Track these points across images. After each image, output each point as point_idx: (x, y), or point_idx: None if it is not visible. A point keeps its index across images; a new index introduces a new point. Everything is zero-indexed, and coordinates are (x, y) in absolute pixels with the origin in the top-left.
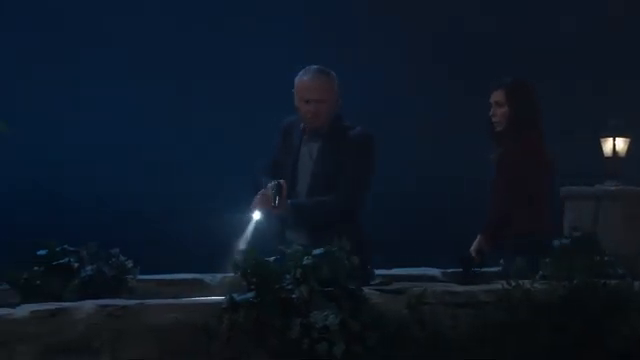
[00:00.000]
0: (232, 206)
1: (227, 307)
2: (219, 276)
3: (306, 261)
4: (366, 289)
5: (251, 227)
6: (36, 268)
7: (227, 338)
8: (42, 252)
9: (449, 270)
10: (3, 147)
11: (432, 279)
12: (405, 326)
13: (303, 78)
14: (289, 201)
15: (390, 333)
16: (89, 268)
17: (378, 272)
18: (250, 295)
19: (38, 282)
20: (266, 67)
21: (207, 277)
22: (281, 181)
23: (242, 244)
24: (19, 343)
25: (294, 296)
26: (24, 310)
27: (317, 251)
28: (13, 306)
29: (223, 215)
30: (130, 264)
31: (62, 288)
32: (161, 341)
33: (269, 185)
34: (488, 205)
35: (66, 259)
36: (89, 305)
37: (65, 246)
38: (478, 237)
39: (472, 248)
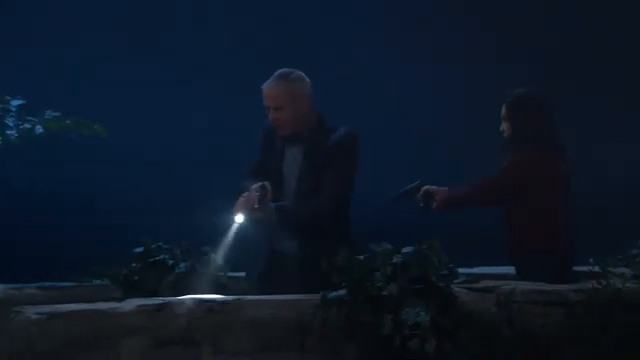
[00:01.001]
0: None
1: (319, 304)
2: None
3: (396, 259)
4: (454, 287)
5: (233, 230)
6: (134, 265)
7: (320, 334)
8: (139, 250)
9: None
10: (101, 148)
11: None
12: (494, 324)
13: (263, 85)
14: (273, 204)
15: (479, 331)
16: (183, 265)
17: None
18: (341, 292)
19: (136, 278)
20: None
21: None
22: (266, 183)
23: (224, 247)
24: (125, 335)
25: (384, 293)
26: (131, 304)
27: (406, 249)
28: (118, 300)
29: (210, 216)
30: (220, 261)
31: (158, 284)
32: (257, 335)
33: (253, 187)
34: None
35: (161, 256)
36: (190, 300)
37: (160, 244)
38: (447, 190)
39: (428, 189)
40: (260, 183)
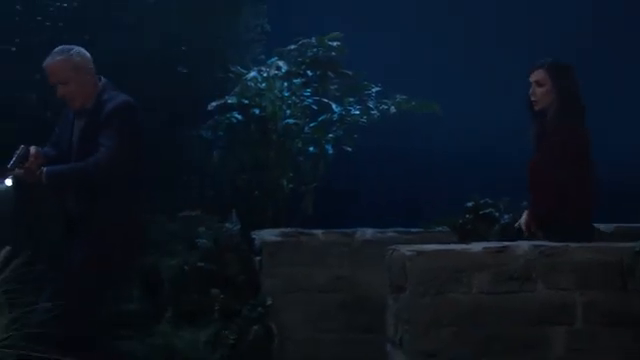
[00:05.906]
0: None
1: (639, 251)
2: (612, 226)
3: None
4: None
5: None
6: (467, 216)
7: (639, 277)
8: (470, 204)
9: None
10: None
11: None
12: None
13: (44, 62)
14: (44, 168)
15: None
16: (506, 217)
17: None
18: None
19: (469, 227)
20: None
21: (602, 226)
22: (30, 147)
23: None
24: (475, 271)
25: None
26: (478, 246)
27: None
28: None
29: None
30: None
31: (487, 232)
32: (581, 276)
33: (17, 151)
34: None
35: (489, 209)
36: (525, 245)
37: (487, 199)
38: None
39: (522, 221)
40: (22, 146)
